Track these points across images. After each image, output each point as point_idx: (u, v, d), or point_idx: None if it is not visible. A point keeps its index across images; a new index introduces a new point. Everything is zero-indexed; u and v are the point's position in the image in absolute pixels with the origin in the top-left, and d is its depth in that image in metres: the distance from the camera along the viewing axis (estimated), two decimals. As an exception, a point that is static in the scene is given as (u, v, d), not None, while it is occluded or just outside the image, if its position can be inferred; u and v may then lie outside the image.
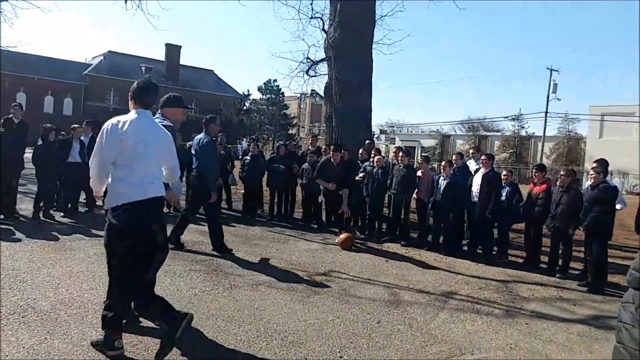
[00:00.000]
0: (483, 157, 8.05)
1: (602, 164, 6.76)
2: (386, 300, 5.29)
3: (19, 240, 6.69)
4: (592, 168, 6.84)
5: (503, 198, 7.55)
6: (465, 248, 8.13)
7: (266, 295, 5.11)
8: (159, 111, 4.64)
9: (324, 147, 9.97)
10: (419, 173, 8.60)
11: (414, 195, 8.60)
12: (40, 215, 8.33)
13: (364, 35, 12.74)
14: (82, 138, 9.25)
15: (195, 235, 8.04)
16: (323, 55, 14.47)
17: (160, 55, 48.82)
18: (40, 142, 8.65)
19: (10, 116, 8.23)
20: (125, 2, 15.26)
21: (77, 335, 3.74)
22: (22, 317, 4.02)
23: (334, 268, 6.50)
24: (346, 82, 12.45)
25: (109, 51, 47.59)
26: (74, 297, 4.57)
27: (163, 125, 3.99)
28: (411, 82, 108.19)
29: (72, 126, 9.51)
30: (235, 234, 8.42)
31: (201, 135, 6.94)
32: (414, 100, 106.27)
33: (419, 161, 9.33)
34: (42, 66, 42.07)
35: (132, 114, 3.54)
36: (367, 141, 10.64)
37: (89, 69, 45.17)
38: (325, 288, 5.51)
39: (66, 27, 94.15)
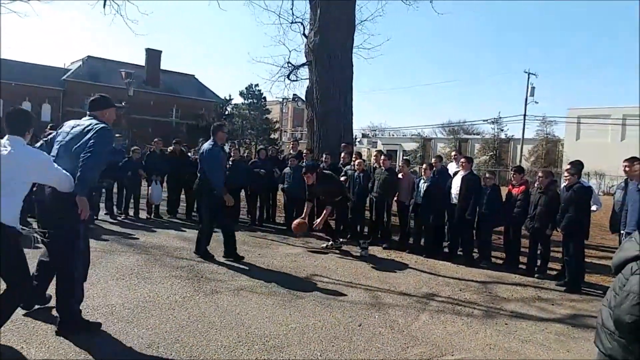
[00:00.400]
0: (462, 159, 8.15)
1: (577, 166, 6.90)
2: (368, 303, 5.30)
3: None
4: (566, 170, 6.98)
5: (484, 201, 7.63)
6: (446, 250, 8.20)
7: (248, 300, 5.09)
8: (88, 114, 4.24)
9: (305, 151, 9.98)
10: (399, 176, 8.66)
11: (395, 198, 8.66)
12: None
13: (344, 40, 12.82)
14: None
15: (176, 241, 7.99)
16: (304, 60, 14.51)
17: (141, 60, 48.39)
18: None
19: None
20: (104, 7, 15.08)
21: (54, 345, 3.68)
22: (-2, 326, 3.93)
23: (315, 272, 6.51)
24: (327, 86, 12.50)
25: (88, 56, 46.92)
26: (51, 304, 4.49)
27: (100, 124, 3.94)
28: (393, 86, 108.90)
29: (47, 127, 9.37)
30: (217, 240, 8.34)
31: (209, 143, 6.88)
32: (395, 103, 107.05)
33: (400, 164, 9.40)
34: (20, 71, 41.31)
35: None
36: (343, 144, 10.66)
37: (68, 74, 44.52)
38: (307, 292, 5.51)
39: (43, 31, 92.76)
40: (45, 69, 44.42)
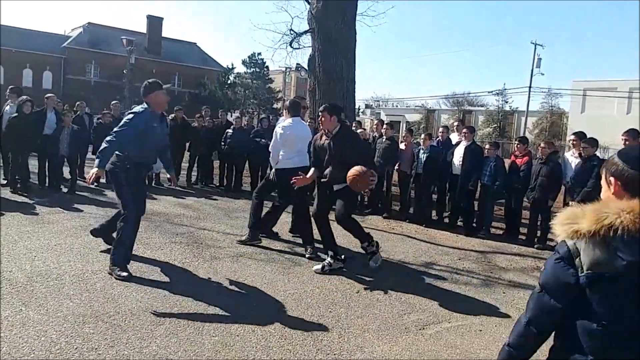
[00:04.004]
0: (464, 130, 8.06)
1: (592, 140, 6.89)
2: (366, 271, 5.32)
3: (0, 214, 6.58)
4: (583, 141, 6.88)
5: (487, 172, 7.56)
6: (447, 220, 8.20)
7: (247, 267, 5.11)
8: (144, 102, 4.65)
9: (307, 120, 9.88)
10: (402, 146, 8.59)
11: (397, 168, 8.61)
12: (15, 187, 8.20)
13: (348, 7, 12.54)
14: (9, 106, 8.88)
15: (177, 208, 8.00)
16: (307, 27, 14.24)
17: (142, 27, 47.71)
18: (15, 114, 8.40)
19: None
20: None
21: (53, 307, 3.71)
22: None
23: (315, 239, 6.50)
24: (329, 54, 12.29)
25: (89, 23, 46.28)
26: (51, 269, 4.53)
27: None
28: (397, 56, 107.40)
29: (46, 95, 9.27)
30: (218, 207, 8.39)
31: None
32: (399, 74, 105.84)
33: (404, 134, 9.31)
34: (20, 38, 40.84)
35: None
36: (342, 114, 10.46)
37: (68, 41, 44.03)
38: (305, 259, 5.53)
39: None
40: (45, 36, 43.93)
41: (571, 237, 1.49)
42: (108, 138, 4.46)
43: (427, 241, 6.99)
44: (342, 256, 5.32)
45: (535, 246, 7.12)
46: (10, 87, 9.45)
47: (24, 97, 8.67)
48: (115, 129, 4.54)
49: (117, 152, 4.52)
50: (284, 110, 6.30)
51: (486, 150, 7.91)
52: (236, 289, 4.46)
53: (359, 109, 39.08)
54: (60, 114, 9.13)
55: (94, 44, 43.84)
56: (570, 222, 1.50)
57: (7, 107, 8.92)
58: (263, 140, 9.73)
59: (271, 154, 6.08)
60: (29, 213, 6.79)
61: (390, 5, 38.77)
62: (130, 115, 4.55)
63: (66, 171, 9.32)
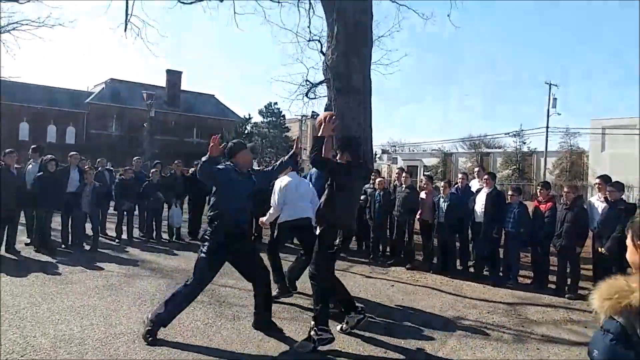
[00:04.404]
0: (485, 176, 8.00)
1: (618, 183, 6.79)
2: (391, 327, 5.17)
3: (23, 274, 6.61)
4: (609, 185, 6.78)
5: (511, 219, 7.43)
6: (472, 270, 8.01)
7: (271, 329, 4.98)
8: (230, 162, 4.80)
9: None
10: (422, 194, 8.53)
11: (418, 217, 8.52)
12: (39, 246, 8.30)
13: (362, 57, 12.81)
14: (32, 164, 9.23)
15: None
16: (322, 77, 14.56)
17: (162, 81, 49.31)
18: (40, 173, 8.61)
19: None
20: (125, 31, 15.44)
21: (76, 376, 3.64)
22: (21, 356, 3.93)
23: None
24: (345, 103, 12.48)
25: (110, 79, 48.02)
26: (74, 334, 4.49)
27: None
28: (412, 101, 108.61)
29: (69, 154, 9.50)
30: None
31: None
32: (414, 119, 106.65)
33: (423, 181, 9.27)
34: (44, 95, 42.45)
35: None
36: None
37: (91, 97, 45.55)
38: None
39: (67, 55, 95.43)
40: (68, 93, 45.55)
41: (621, 313, 1.40)
42: None
43: (453, 293, 6.80)
44: (360, 308, 5.10)
45: (566, 296, 6.87)
46: (32, 146, 9.77)
47: (49, 156, 8.92)
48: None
49: (211, 215, 4.63)
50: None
51: (509, 197, 7.82)
52: (260, 351, 4.35)
53: (375, 155, 39.25)
54: (83, 171, 9.33)
55: (115, 99, 45.28)
56: (617, 296, 1.42)
57: (30, 166, 9.16)
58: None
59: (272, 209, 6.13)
60: (52, 273, 6.82)
61: (403, 53, 39.58)
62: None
63: (88, 227, 9.40)
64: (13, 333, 4.42)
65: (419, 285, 7.18)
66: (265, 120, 47.68)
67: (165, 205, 10.26)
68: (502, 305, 6.34)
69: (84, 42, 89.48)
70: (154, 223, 10.09)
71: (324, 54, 14.44)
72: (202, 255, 4.60)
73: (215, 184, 4.69)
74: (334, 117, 5.03)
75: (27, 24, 31.62)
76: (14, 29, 31.19)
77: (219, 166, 4.69)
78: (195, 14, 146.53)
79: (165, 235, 10.12)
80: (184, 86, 49.94)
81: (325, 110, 13.46)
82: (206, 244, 4.60)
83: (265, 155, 46.12)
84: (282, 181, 6.08)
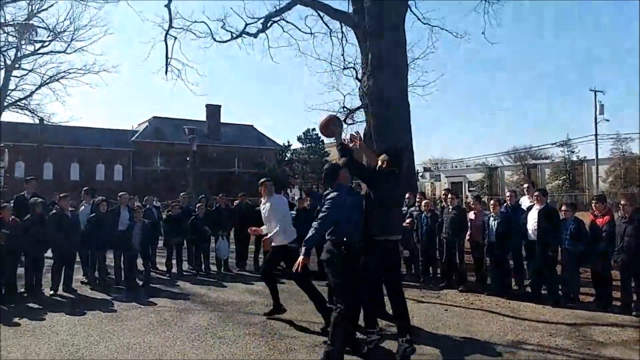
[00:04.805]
0: (536, 193, 7.73)
1: None
2: (448, 354, 4.98)
3: (81, 313, 6.81)
4: None
5: (567, 236, 7.12)
6: (529, 290, 7.68)
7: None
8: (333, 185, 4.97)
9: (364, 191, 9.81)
10: (471, 214, 8.32)
11: (468, 237, 8.30)
12: (95, 284, 8.56)
13: (398, 81, 12.80)
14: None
15: (247, 295, 7.99)
16: (359, 103, 14.62)
17: (202, 115, 50.73)
18: (92, 214, 8.95)
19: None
20: (166, 74, 16.09)
21: (136, 416, 3.67)
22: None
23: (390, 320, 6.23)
24: (384, 127, 12.44)
25: (153, 117, 49.82)
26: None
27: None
28: (451, 117, 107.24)
29: (119, 194, 9.82)
30: (287, 291, 8.26)
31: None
32: (456, 135, 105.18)
33: (471, 202, 9.05)
34: (92, 136, 44.39)
35: None
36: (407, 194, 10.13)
37: (136, 135, 47.32)
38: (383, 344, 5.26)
39: (113, 98, 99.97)
40: (115, 133, 47.52)
41: None
42: (314, 224, 4.65)
43: (511, 316, 6.51)
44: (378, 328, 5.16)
45: (633, 314, 6.48)
46: (84, 188, 10.20)
47: (100, 197, 9.33)
48: (320, 215, 4.75)
49: (330, 239, 4.70)
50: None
51: (562, 212, 7.51)
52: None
53: (417, 173, 38.79)
54: (132, 209, 9.59)
55: (158, 136, 46.85)
56: None
57: (82, 208, 9.54)
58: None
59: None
60: (108, 310, 6.99)
61: (440, 73, 39.30)
62: (330, 200, 4.73)
63: (139, 264, 9.62)
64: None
65: (474, 308, 6.93)
66: (304, 146, 48.10)
67: (212, 238, 10.40)
68: (564, 326, 6.03)
69: (128, 84, 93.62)
70: (202, 256, 10.24)
71: (359, 80, 14.55)
72: (338, 275, 4.75)
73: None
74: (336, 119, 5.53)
75: (73, 72, 33.52)
76: (62, 77, 33.10)
77: (331, 195, 4.82)
78: (231, 50, 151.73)
79: (213, 267, 10.22)
80: (224, 119, 51.23)
81: (364, 136, 13.46)
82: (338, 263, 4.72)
83: (307, 180, 46.37)
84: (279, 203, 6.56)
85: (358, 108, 14.98)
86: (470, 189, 41.41)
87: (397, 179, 5.22)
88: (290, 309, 6.79)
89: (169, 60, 15.94)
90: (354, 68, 15.39)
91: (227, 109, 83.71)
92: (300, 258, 4.64)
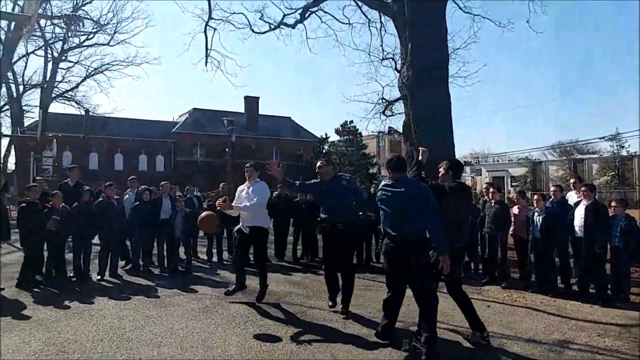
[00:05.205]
0: (583, 188, 7.45)
1: None
2: (492, 353, 4.87)
3: (126, 298, 7.03)
4: None
5: (617, 233, 6.84)
6: (576, 288, 7.43)
7: (366, 346, 4.89)
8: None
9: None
10: (514, 209, 8.10)
11: (511, 232, 8.09)
12: (139, 271, 8.81)
13: (438, 71, 12.54)
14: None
15: (286, 285, 8.05)
16: (398, 94, 14.44)
17: (240, 107, 51.32)
18: (137, 203, 9.21)
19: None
20: (206, 65, 16.34)
21: (181, 399, 3.76)
22: (130, 378, 4.12)
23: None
24: (424, 119, 12.23)
25: (193, 108, 50.75)
26: (176, 356, 4.65)
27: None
28: (494, 109, 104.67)
29: (161, 184, 10.04)
30: (322, 281, 8.29)
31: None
32: (498, 128, 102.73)
33: (514, 197, 8.82)
34: (136, 128, 45.64)
35: None
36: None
37: (176, 126, 48.33)
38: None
39: (153, 89, 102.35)
40: (156, 124, 48.69)
41: None
42: (436, 224, 4.59)
43: (557, 314, 6.31)
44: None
45: (689, 316, 6.17)
46: (129, 178, 10.51)
47: (143, 186, 9.58)
48: (434, 210, 4.67)
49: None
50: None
51: (612, 208, 7.21)
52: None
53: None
54: (174, 199, 9.80)
55: (198, 127, 47.69)
56: None
57: (127, 196, 9.83)
58: (370, 214, 9.43)
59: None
60: (152, 296, 7.18)
61: (482, 64, 38.42)
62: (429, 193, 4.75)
63: (181, 252, 9.84)
64: (121, 355, 4.67)
65: (518, 306, 6.75)
66: (342, 138, 47.99)
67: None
68: (614, 327, 5.80)
69: (169, 76, 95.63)
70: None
71: (398, 72, 14.36)
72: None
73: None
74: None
75: (117, 64, 34.56)
76: (106, 69, 34.19)
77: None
78: (269, 41, 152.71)
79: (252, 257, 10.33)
80: (262, 110, 51.68)
81: (403, 128, 13.29)
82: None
83: (345, 173, 46.24)
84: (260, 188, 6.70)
85: (397, 99, 14.80)
86: (513, 184, 40.34)
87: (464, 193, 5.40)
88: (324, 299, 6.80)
89: (208, 51, 16.18)
90: (393, 59, 15.20)
91: (265, 101, 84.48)
92: (443, 259, 4.59)
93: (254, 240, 6.79)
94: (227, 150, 33.89)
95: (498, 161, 47.59)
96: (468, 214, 5.87)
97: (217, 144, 42.87)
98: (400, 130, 15.07)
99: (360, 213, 6.50)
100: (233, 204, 6.93)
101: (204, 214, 7.08)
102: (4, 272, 8.20)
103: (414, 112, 12.43)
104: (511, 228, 8.08)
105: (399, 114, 15.63)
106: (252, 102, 50.65)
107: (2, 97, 26.96)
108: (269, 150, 49.58)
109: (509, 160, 45.01)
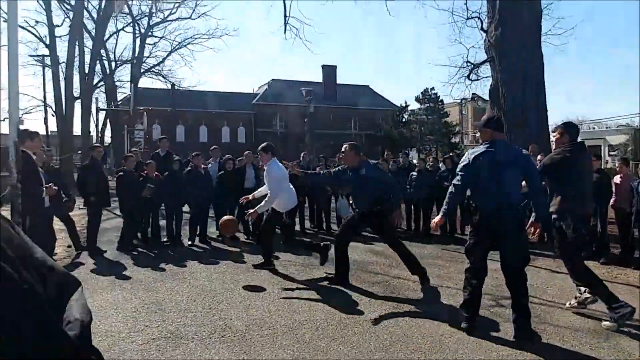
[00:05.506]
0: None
1: None
2: (590, 330, 4.58)
3: (215, 262, 7.37)
4: None
5: None
6: (686, 265, 6.77)
7: (453, 323, 4.76)
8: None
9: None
10: (616, 179, 7.47)
11: (611, 204, 7.49)
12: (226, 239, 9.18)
13: (530, 29, 11.69)
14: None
15: (368, 254, 8.04)
16: (484, 57, 13.69)
17: (318, 77, 51.38)
18: (221, 172, 9.52)
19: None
20: (285, 32, 16.40)
21: (269, 357, 3.88)
22: (222, 336, 4.32)
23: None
24: (514, 82, 11.53)
25: (272, 79, 51.57)
26: (264, 319, 4.80)
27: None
28: (590, 70, 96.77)
29: (244, 153, 10.30)
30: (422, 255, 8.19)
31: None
32: (595, 91, 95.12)
33: (617, 164, 8.12)
34: (218, 100, 47.24)
35: None
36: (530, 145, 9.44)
37: (256, 98, 49.45)
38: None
39: (235, 61, 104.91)
40: (237, 96, 50.09)
41: None
42: (454, 182, 4.40)
43: (664, 293, 5.80)
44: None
45: None
46: (212, 147, 10.90)
47: (227, 155, 9.85)
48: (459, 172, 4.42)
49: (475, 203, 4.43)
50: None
51: None
52: (441, 348, 4.17)
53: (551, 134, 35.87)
54: (257, 168, 10.04)
55: (277, 98, 48.49)
56: None
57: (210, 165, 10.18)
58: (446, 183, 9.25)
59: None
60: (239, 261, 7.47)
61: (580, 19, 35.43)
62: (471, 156, 4.35)
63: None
64: (213, 315, 4.90)
65: (619, 283, 6.26)
66: (422, 106, 46.75)
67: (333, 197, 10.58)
68: None
69: (249, 47, 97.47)
70: (323, 214, 10.48)
71: (485, 32, 13.56)
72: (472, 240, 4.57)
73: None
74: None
75: (199, 37, 35.74)
76: (189, 43, 35.48)
77: (475, 150, 4.44)
78: (346, 6, 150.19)
79: (334, 226, 10.42)
80: (339, 80, 51.43)
81: (490, 92, 12.60)
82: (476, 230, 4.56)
83: (424, 142, 45.21)
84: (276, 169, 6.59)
85: (483, 62, 14.04)
86: (611, 152, 37.32)
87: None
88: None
89: (287, 19, 16.20)
90: (479, 18, 14.37)
91: (343, 70, 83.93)
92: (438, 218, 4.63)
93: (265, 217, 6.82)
94: (305, 121, 34.28)
95: (594, 128, 44.10)
96: (592, 175, 5.56)
97: (296, 114, 43.42)
98: (485, 96, 14.34)
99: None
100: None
101: (225, 218, 7.36)
102: (106, 236, 8.90)
103: (502, 74, 11.73)
104: (612, 199, 7.46)
105: (485, 77, 14.86)
106: (329, 71, 50.53)
107: (97, 73, 28.82)
108: (347, 120, 49.47)
109: (607, 128, 41.55)
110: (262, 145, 6.83)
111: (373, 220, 6.17)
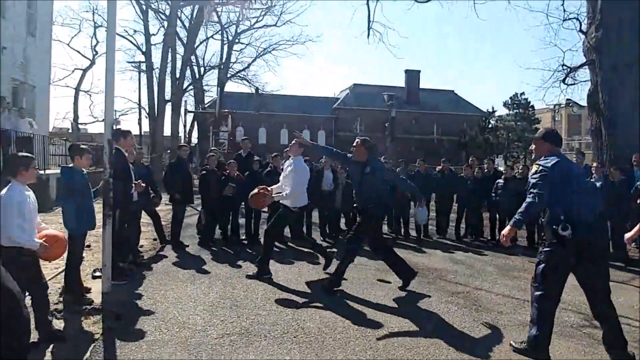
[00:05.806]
0: None
1: None
2: None
3: (290, 262, 7.41)
4: None
5: None
6: None
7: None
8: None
9: (594, 164, 8.56)
10: None
11: None
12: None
13: (635, 29, 10.70)
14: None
15: (447, 263, 7.73)
16: (582, 60, 12.76)
17: (401, 81, 50.76)
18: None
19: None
20: (368, 37, 16.28)
21: (342, 364, 3.79)
22: (294, 337, 4.28)
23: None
24: (616, 86, 10.61)
25: (354, 84, 51.68)
26: (337, 322, 4.71)
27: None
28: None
29: (321, 159, 10.27)
30: (491, 264, 7.76)
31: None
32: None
33: None
34: (299, 104, 48.11)
35: None
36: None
37: (337, 102, 49.77)
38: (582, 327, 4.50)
39: (317, 67, 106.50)
40: (318, 100, 50.75)
41: None
42: (534, 191, 3.88)
43: None
44: None
45: None
46: (286, 149, 10.95)
47: (306, 158, 9.86)
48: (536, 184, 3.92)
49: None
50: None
51: None
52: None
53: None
54: (335, 171, 9.99)
55: (359, 103, 48.50)
56: None
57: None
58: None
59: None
60: (312, 262, 7.44)
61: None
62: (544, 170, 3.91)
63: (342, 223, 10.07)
64: (286, 315, 4.88)
65: None
66: (511, 112, 44.67)
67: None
68: None
69: (330, 52, 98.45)
70: (401, 220, 10.24)
71: (584, 33, 12.63)
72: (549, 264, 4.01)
73: None
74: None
75: (283, 43, 36.64)
76: (273, 49, 36.44)
77: (545, 163, 3.96)
78: (431, 10, 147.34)
79: (413, 233, 10.15)
80: (423, 84, 50.48)
81: (588, 97, 11.70)
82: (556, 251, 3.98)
83: (512, 150, 43.16)
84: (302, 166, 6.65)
85: (581, 65, 13.08)
86: None
87: None
88: (496, 282, 6.34)
89: (370, 23, 16.07)
90: (577, 19, 13.40)
91: (427, 74, 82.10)
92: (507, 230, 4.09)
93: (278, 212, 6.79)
94: (386, 125, 33.88)
95: None
96: None
97: (377, 119, 43.15)
98: (581, 102, 13.34)
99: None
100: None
101: (257, 189, 6.91)
102: (189, 231, 9.26)
103: (603, 78, 10.84)
104: None
105: (583, 82, 13.84)
106: (413, 76, 49.78)
107: (187, 78, 30.39)
108: (429, 125, 48.42)
109: None
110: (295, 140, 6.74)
111: (362, 219, 6.10)
